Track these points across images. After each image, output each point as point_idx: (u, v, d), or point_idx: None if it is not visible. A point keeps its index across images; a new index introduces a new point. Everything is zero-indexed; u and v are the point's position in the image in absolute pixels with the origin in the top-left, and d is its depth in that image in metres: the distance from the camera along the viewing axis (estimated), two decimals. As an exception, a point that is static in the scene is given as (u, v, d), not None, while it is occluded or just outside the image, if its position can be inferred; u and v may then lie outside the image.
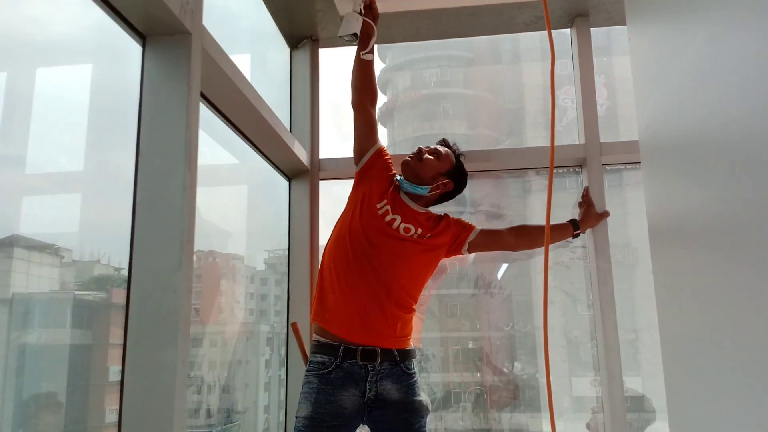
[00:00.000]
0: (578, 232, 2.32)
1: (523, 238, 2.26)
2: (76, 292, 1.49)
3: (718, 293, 1.26)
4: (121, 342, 1.42)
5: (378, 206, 2.03)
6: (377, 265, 1.96)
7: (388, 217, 2.02)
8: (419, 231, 2.06)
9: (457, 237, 2.16)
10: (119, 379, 1.40)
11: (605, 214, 2.43)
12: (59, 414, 1.38)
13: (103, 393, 1.50)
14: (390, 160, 2.15)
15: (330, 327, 1.93)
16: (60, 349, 1.41)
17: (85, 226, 1.47)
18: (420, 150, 2.14)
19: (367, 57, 2.15)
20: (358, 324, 1.92)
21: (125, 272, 1.46)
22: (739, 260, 1.15)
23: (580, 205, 2.45)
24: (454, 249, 2.18)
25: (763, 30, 1.03)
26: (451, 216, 2.21)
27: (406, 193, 2.12)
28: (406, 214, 2.06)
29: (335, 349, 1.89)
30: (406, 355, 1.98)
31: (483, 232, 2.20)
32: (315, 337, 1.98)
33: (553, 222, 2.09)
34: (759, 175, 1.06)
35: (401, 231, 2.03)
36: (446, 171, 2.14)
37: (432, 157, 2.13)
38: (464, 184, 2.23)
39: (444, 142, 2.25)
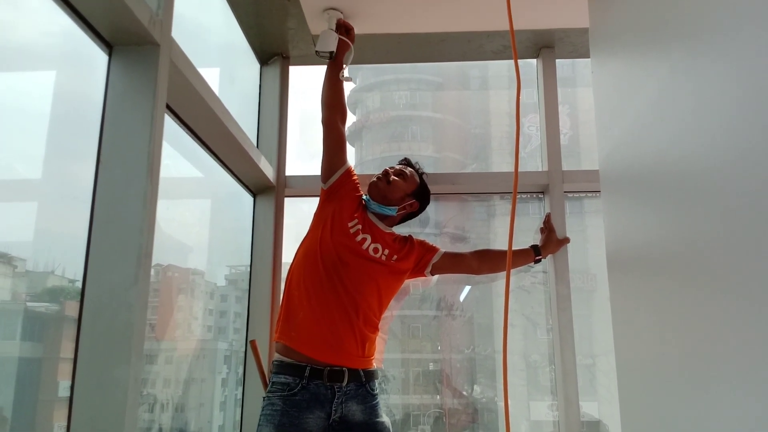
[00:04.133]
0: (539, 257, 2.36)
1: (485, 262, 2.28)
2: (28, 304, 1.44)
3: (673, 320, 1.29)
4: (73, 357, 1.37)
5: (350, 225, 2.03)
6: (348, 284, 1.95)
7: (359, 237, 2.03)
8: (386, 252, 2.06)
9: (421, 258, 2.18)
10: (69, 395, 1.36)
11: (566, 240, 2.48)
12: (4, 429, 1.33)
13: (52, 409, 1.45)
14: (357, 181, 2.16)
15: (297, 345, 1.90)
16: (8, 362, 1.35)
17: (40, 235, 1.42)
18: (387, 172, 2.16)
19: (343, 78, 2.18)
20: (328, 342, 1.90)
21: (80, 284, 1.41)
22: (693, 289, 1.18)
23: (542, 230, 2.49)
24: (418, 270, 2.19)
25: (719, 68, 1.07)
26: (415, 237, 2.22)
27: (373, 214, 2.13)
28: (375, 234, 2.07)
29: (301, 370, 1.86)
30: (371, 375, 1.97)
31: (446, 254, 2.22)
32: (278, 356, 1.93)
33: (515, 247, 2.12)
34: (711, 207, 1.09)
35: (371, 251, 2.03)
36: (412, 191, 2.17)
37: (399, 179, 2.15)
38: (428, 203, 2.26)
39: (407, 162, 2.28)
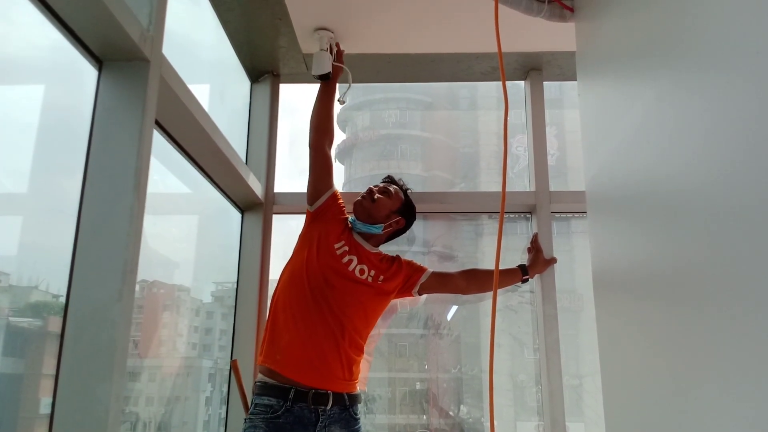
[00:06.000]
0: (527, 277, 2.36)
1: (473, 282, 2.28)
2: (11, 318, 1.42)
3: (659, 341, 1.29)
4: (55, 373, 1.35)
5: (336, 247, 2.03)
6: (334, 306, 1.94)
7: (346, 258, 2.02)
8: (372, 273, 2.05)
9: (409, 278, 2.17)
10: (50, 412, 1.33)
11: (553, 260, 2.49)
12: (-19, 447, 1.30)
13: (32, 426, 1.42)
14: (343, 204, 2.16)
15: (282, 369, 1.87)
16: (-12, 378, 1.33)
17: (25, 249, 1.41)
18: (371, 190, 2.15)
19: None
20: (314, 365, 1.88)
21: (64, 300, 1.40)
22: (679, 310, 1.19)
23: (529, 250, 2.50)
24: (405, 290, 2.18)
25: (704, 91, 1.09)
26: (402, 258, 2.22)
27: (359, 234, 2.12)
28: (360, 255, 2.06)
29: (285, 392, 1.83)
30: (355, 399, 1.96)
31: (434, 274, 2.21)
32: (261, 378, 1.90)
33: (502, 266, 2.13)
34: (695, 230, 1.11)
35: (357, 272, 2.02)
36: (397, 209, 2.17)
37: (383, 197, 2.14)
38: (414, 219, 2.25)
39: (390, 179, 2.27)
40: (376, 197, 2.13)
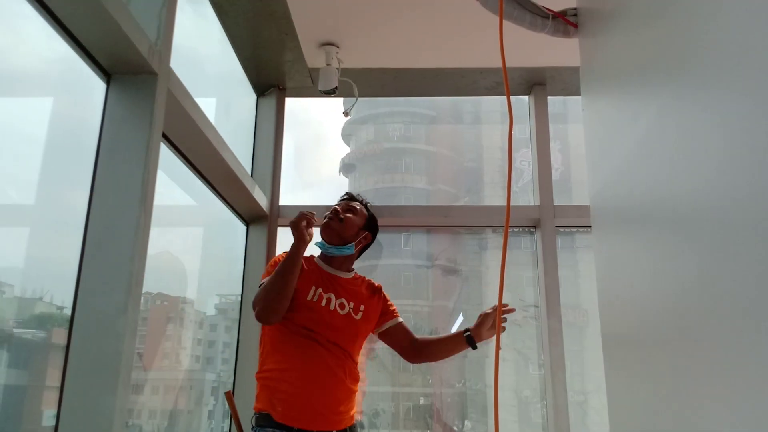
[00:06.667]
0: (475, 347, 2.05)
1: (422, 355, 2.13)
2: (15, 330, 1.42)
3: (665, 359, 1.29)
4: (59, 385, 1.35)
5: (308, 298, 1.93)
6: (331, 347, 1.90)
7: (324, 301, 1.95)
8: (352, 305, 1.99)
9: (380, 316, 2.07)
10: (53, 424, 1.33)
11: (500, 328, 1.89)
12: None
13: (35, 438, 1.42)
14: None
15: (284, 419, 1.82)
16: (-8, 390, 1.33)
17: (31, 261, 1.42)
18: (336, 210, 2.08)
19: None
20: (318, 412, 1.84)
21: (67, 311, 1.40)
22: (684, 327, 1.19)
23: (481, 315, 2.09)
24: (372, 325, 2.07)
25: (707, 106, 1.10)
26: (384, 292, 2.12)
27: (330, 261, 2.05)
28: (337, 288, 2.00)
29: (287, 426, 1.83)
30: (353, 428, 1.96)
31: (400, 326, 2.09)
32: (261, 408, 1.87)
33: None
34: (701, 245, 1.11)
35: (338, 309, 1.96)
36: (364, 224, 2.11)
37: (350, 215, 2.08)
38: (377, 231, 2.19)
39: (350, 196, 2.21)
40: (343, 216, 2.05)
